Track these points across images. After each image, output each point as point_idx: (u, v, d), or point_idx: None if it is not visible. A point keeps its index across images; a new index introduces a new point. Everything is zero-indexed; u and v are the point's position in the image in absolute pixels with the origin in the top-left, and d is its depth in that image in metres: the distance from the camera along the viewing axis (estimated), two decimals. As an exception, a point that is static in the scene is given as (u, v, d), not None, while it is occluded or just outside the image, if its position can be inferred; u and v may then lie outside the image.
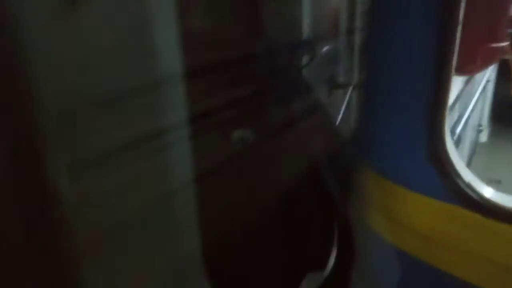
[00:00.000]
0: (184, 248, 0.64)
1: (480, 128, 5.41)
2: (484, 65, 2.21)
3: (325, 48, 1.70)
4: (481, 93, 2.28)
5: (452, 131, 1.75)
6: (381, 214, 1.75)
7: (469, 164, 5.06)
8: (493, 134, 5.81)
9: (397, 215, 1.68)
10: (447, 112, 1.47)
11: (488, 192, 1.41)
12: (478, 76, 3.05)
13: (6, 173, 0.40)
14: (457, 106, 2.63)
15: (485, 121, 5.52)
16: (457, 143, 1.73)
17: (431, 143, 1.49)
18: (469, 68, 2.00)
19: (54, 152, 0.44)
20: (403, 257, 1.67)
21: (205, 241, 0.65)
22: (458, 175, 1.43)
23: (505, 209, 1.35)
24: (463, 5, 1.37)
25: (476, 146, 5.35)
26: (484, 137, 5.63)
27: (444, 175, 1.45)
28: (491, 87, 5.28)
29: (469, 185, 1.41)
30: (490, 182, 1.41)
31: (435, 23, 1.43)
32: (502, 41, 1.97)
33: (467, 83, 3.01)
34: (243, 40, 0.94)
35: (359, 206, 1.81)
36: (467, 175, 1.45)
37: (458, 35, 1.41)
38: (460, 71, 1.71)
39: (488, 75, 4.24)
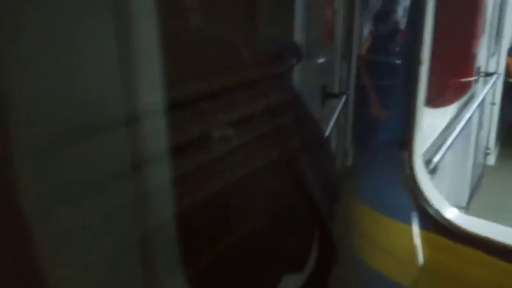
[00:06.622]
0: (161, 242, 0.69)
1: (488, 151, 5.41)
2: (453, 98, 2.33)
3: (319, 56, 1.71)
4: (467, 122, 2.36)
5: (429, 160, 1.85)
6: (364, 240, 1.83)
7: (477, 187, 5.06)
8: (501, 156, 5.78)
9: (378, 242, 1.76)
10: (416, 141, 1.57)
11: (455, 216, 1.48)
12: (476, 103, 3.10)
13: None
14: (448, 133, 2.71)
15: (492, 144, 5.51)
16: (434, 170, 1.81)
17: (403, 170, 1.58)
18: (439, 101, 2.12)
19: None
20: (386, 283, 1.73)
21: (183, 236, 0.71)
22: (427, 201, 1.52)
23: (471, 234, 1.43)
24: (427, 46, 1.50)
25: (484, 169, 5.34)
26: (492, 160, 5.61)
27: (415, 201, 1.55)
28: (496, 110, 5.30)
29: (437, 212, 1.50)
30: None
31: (403, 62, 1.57)
32: (468, 76, 2.09)
33: (461, 111, 3.07)
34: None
35: (344, 229, 1.90)
36: (437, 201, 1.53)
37: (424, 72, 1.53)
38: (431, 103, 1.83)
39: (488, 98, 4.29)
